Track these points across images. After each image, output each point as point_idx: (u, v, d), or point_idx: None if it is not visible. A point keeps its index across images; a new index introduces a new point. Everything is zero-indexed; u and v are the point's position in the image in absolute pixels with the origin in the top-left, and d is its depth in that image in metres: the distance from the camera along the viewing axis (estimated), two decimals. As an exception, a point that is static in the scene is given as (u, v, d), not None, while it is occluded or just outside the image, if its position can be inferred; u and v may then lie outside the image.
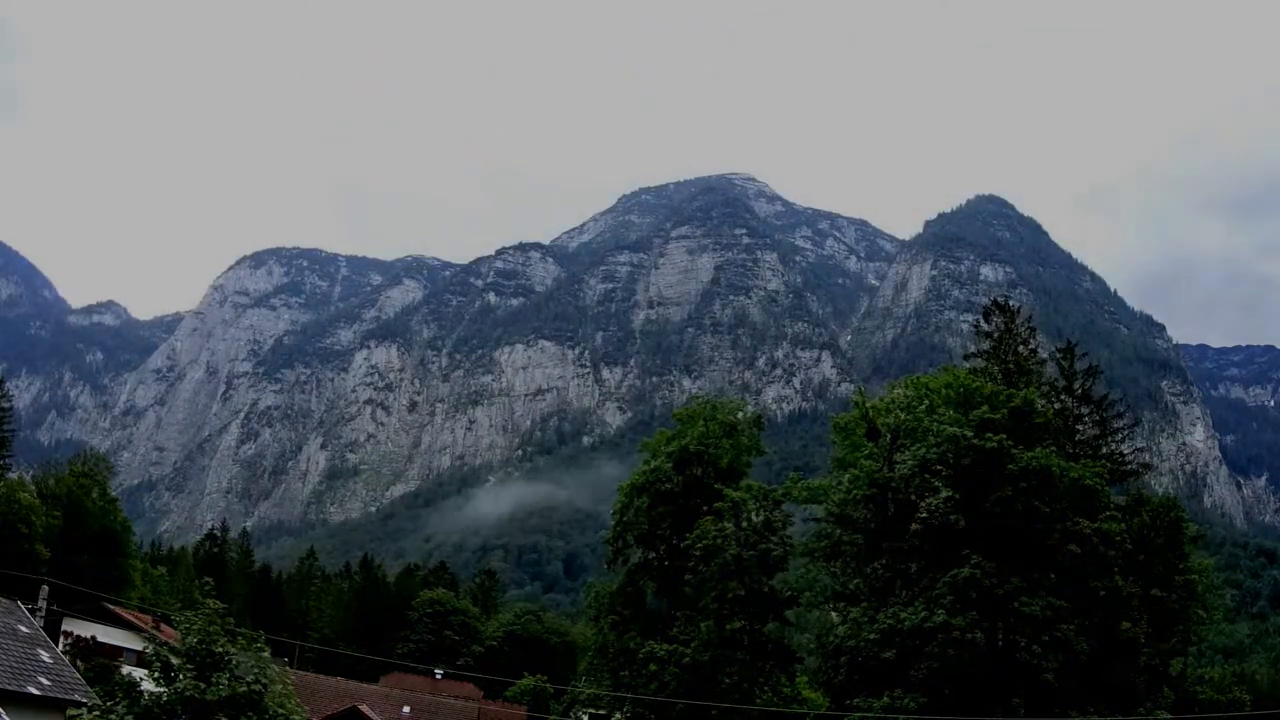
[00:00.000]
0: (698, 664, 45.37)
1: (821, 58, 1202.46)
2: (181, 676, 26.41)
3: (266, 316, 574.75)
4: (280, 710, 27.66)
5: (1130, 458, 57.65)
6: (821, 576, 49.49)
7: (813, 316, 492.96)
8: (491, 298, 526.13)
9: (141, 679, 28.31)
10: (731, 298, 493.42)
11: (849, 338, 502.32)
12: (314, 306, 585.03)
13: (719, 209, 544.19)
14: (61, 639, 54.87)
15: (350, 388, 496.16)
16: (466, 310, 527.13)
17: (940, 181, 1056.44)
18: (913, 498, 41.87)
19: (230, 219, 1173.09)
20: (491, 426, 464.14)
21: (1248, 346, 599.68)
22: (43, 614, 39.54)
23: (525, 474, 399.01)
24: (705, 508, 48.84)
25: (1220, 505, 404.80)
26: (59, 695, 30.96)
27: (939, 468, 41.67)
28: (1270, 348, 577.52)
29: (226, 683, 26.02)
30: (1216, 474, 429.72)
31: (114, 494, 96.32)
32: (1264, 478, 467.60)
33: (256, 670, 27.23)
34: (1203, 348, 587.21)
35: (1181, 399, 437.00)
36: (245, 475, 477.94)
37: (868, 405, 50.80)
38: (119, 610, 63.03)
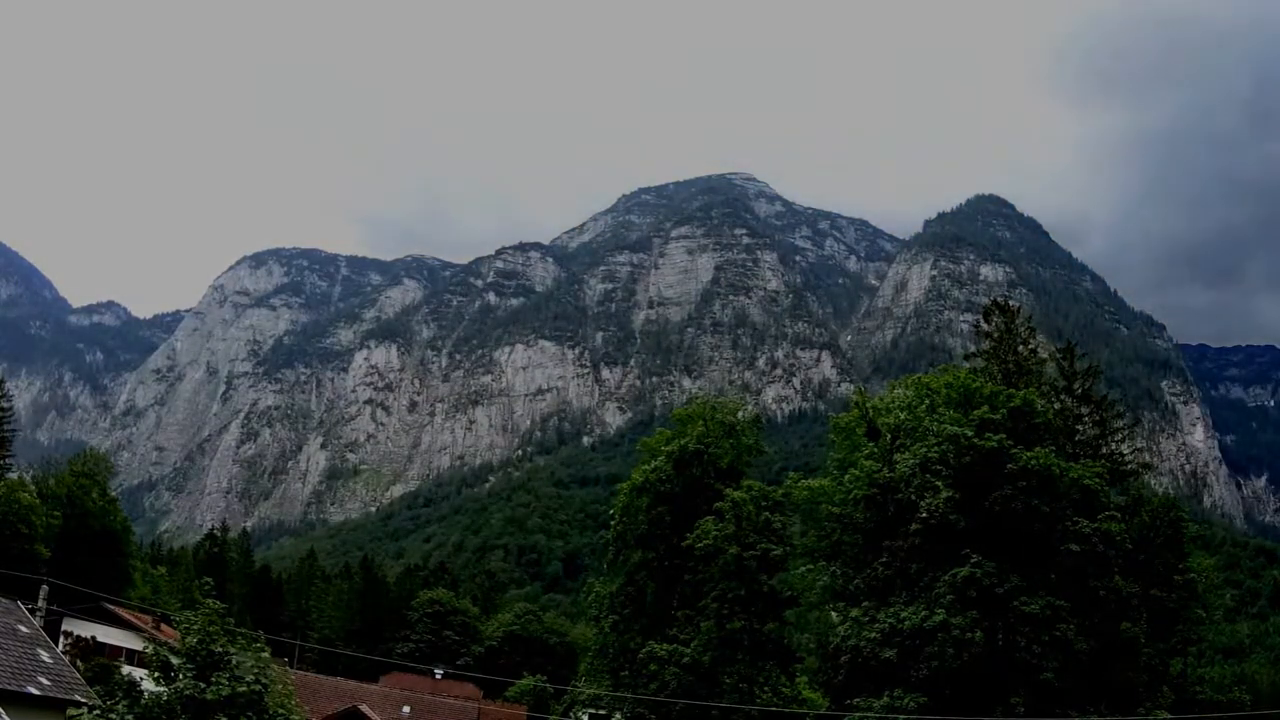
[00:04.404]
0: (698, 664, 45.36)
1: (822, 57, 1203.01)
2: (181, 676, 26.43)
3: (266, 316, 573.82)
4: (280, 710, 27.69)
5: (1130, 458, 57.60)
6: (821, 576, 49.49)
7: (813, 316, 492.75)
8: (491, 298, 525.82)
9: (141, 679, 28.35)
10: (731, 298, 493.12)
11: (849, 338, 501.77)
12: (314, 306, 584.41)
13: (719, 209, 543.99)
14: (61, 639, 54.86)
15: (350, 388, 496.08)
16: (466, 310, 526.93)
17: (940, 181, 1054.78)
18: (913, 498, 41.86)
19: (231, 219, 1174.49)
20: (491, 426, 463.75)
21: (1248, 346, 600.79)
22: (43, 614, 39.54)
23: (525, 474, 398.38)
24: (705, 508, 48.77)
25: (1220, 505, 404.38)
26: (59, 695, 30.93)
27: (939, 467, 41.71)
28: (1270, 347, 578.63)
29: (226, 683, 26.04)
30: (1216, 474, 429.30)
31: (114, 494, 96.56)
32: (1264, 478, 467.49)
33: (256, 670, 27.24)
34: (1203, 347, 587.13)
35: (1181, 399, 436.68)
36: (245, 475, 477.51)
37: (868, 405, 50.84)
38: (119, 610, 62.93)
